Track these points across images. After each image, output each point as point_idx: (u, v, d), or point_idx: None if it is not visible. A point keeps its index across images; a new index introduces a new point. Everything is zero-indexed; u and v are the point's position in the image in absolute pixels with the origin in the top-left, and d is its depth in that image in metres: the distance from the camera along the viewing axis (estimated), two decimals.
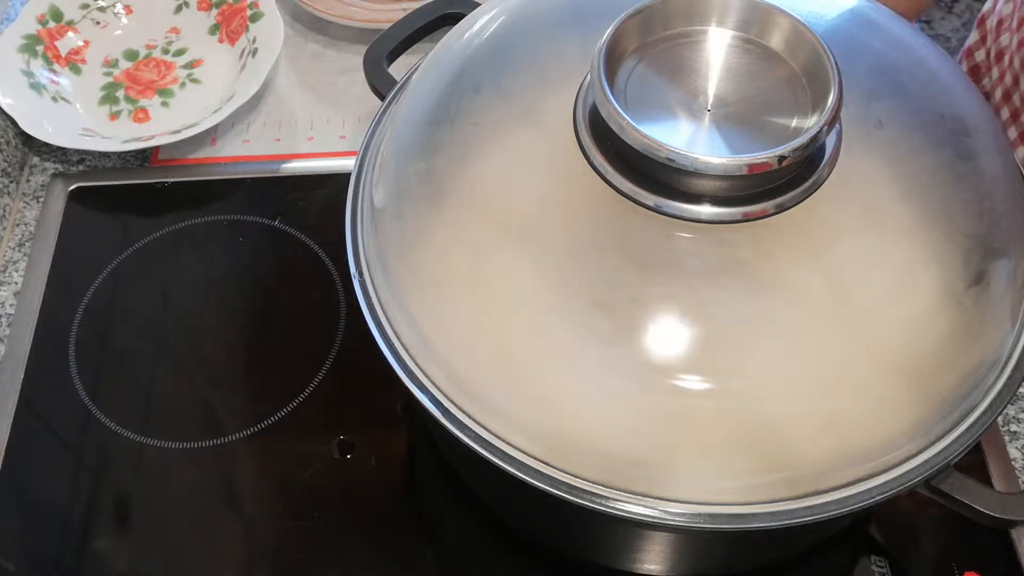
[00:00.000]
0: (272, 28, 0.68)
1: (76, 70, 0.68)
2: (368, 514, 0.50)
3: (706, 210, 0.35)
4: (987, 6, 0.69)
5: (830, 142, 0.36)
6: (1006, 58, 0.63)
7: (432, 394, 0.38)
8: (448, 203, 0.39)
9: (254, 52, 0.67)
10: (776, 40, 0.37)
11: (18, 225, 0.62)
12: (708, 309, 0.35)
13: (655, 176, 0.35)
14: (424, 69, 0.44)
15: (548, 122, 0.38)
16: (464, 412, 0.37)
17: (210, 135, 0.66)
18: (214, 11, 0.71)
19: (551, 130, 0.38)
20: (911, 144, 0.38)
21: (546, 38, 0.41)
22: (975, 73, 0.70)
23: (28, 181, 0.64)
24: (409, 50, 0.55)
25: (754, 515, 0.35)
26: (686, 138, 0.35)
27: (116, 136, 0.64)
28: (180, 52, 0.70)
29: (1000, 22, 0.65)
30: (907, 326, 0.36)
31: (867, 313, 0.35)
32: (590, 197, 0.36)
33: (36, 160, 0.66)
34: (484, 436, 0.37)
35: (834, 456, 0.35)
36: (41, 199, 0.63)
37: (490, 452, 0.36)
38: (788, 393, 0.35)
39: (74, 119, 0.65)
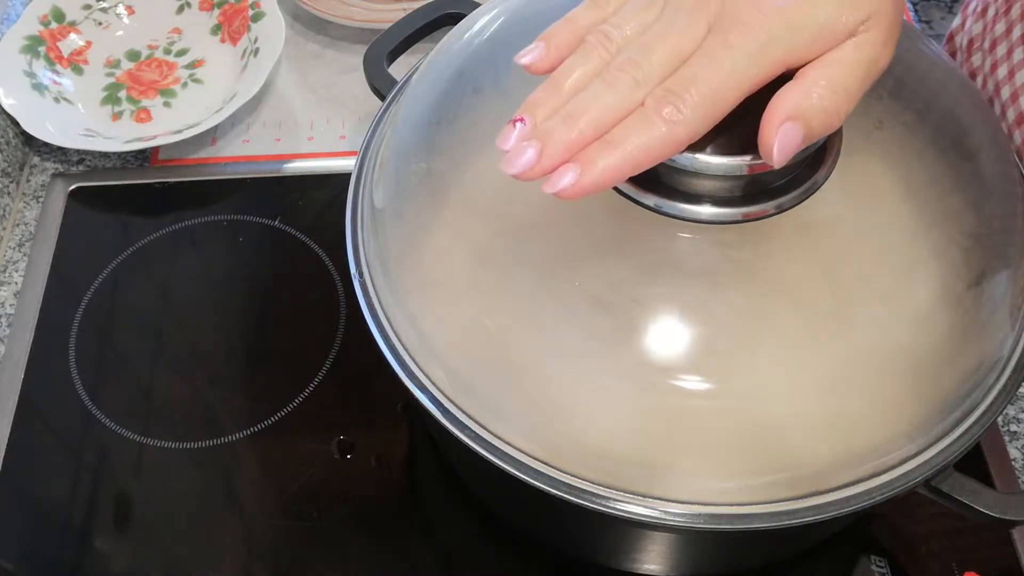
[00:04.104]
0: (273, 28, 0.68)
1: (78, 71, 0.68)
2: (368, 514, 0.50)
3: (706, 210, 0.35)
4: (955, 23, 0.68)
5: (830, 142, 0.36)
6: (978, 79, 0.62)
7: (432, 394, 0.38)
8: (448, 203, 0.39)
9: (255, 52, 0.67)
10: None
11: (18, 225, 0.62)
12: (708, 309, 0.35)
13: (655, 176, 0.35)
14: (424, 69, 0.44)
15: None
16: (464, 412, 0.37)
17: (210, 135, 0.66)
18: (216, 11, 0.71)
19: None
20: (911, 144, 0.38)
21: None
22: None
23: (28, 181, 0.64)
24: (409, 50, 0.55)
25: (754, 515, 0.35)
26: None
27: (118, 136, 0.64)
28: (182, 52, 0.70)
29: (971, 42, 0.64)
30: (907, 326, 0.36)
31: (867, 313, 0.35)
32: (590, 197, 0.36)
33: (36, 160, 0.66)
34: (484, 436, 0.37)
35: (834, 456, 0.35)
36: (41, 199, 0.63)
37: (490, 452, 0.36)
38: (788, 393, 0.35)
39: (76, 119, 0.65)
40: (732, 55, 0.30)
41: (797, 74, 0.31)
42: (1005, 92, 0.59)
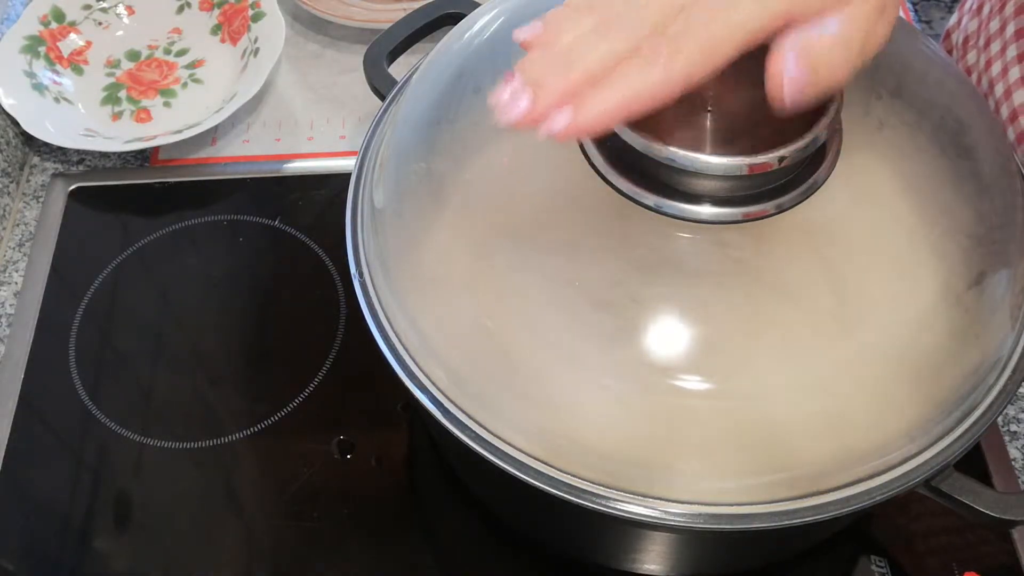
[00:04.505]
0: (273, 28, 0.68)
1: (78, 71, 0.68)
2: (368, 514, 0.50)
3: (706, 210, 0.35)
4: (952, 20, 0.68)
5: (830, 142, 0.36)
6: (973, 77, 0.62)
7: (432, 394, 0.38)
8: (448, 203, 0.39)
9: (255, 52, 0.67)
10: None
11: (18, 225, 0.62)
12: (708, 309, 0.35)
13: (655, 176, 0.35)
14: (424, 69, 0.44)
15: None
16: (464, 412, 0.37)
17: (210, 135, 0.66)
18: (216, 11, 0.71)
19: None
20: (911, 144, 0.38)
21: None
22: None
23: (28, 181, 0.64)
24: (409, 50, 0.55)
25: (754, 515, 0.35)
26: (686, 138, 0.35)
27: (118, 136, 0.64)
28: (182, 52, 0.70)
29: (966, 39, 0.64)
30: (907, 326, 0.36)
31: (867, 313, 0.35)
32: (590, 197, 0.36)
33: (36, 160, 0.66)
34: (484, 436, 0.37)
35: (834, 456, 0.35)
36: (41, 199, 0.63)
37: (490, 452, 0.36)
38: (788, 393, 0.35)
39: (76, 119, 0.65)
40: (732, 1, 0.29)
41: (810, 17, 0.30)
42: (999, 89, 0.59)
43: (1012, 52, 0.58)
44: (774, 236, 0.35)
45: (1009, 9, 0.59)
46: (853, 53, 0.31)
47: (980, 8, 0.63)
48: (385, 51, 0.53)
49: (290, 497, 0.51)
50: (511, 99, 0.30)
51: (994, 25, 0.60)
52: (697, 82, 0.30)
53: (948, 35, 0.68)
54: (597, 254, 0.36)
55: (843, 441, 0.35)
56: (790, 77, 0.30)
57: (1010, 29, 0.58)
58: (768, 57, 0.30)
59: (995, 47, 0.59)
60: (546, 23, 0.32)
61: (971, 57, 0.63)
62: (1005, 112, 0.58)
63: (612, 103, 0.29)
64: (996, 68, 0.59)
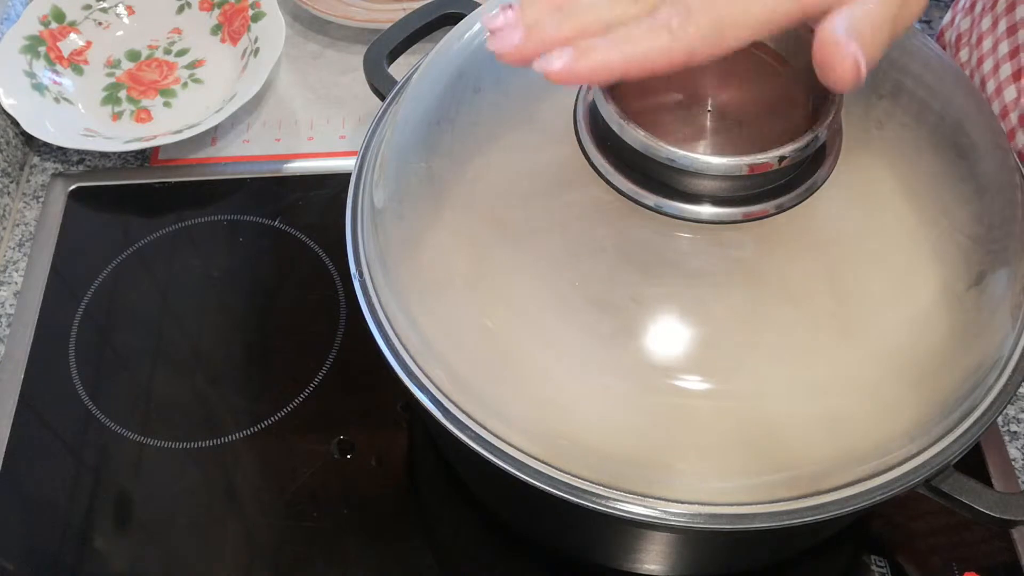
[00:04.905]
0: (274, 28, 0.68)
1: (78, 71, 0.68)
2: (368, 514, 0.50)
3: (706, 210, 0.35)
4: (946, 19, 0.69)
5: (830, 142, 0.36)
6: (965, 73, 0.63)
7: (432, 394, 0.38)
8: (448, 203, 0.39)
9: (256, 52, 0.67)
10: (776, 40, 0.37)
11: (18, 225, 0.62)
12: (708, 309, 0.35)
13: (655, 176, 0.35)
14: (424, 69, 0.44)
15: (548, 122, 0.38)
16: (464, 412, 0.37)
17: (210, 135, 0.66)
18: (216, 11, 0.71)
19: (551, 130, 0.38)
20: (911, 144, 0.38)
21: None
22: None
23: (28, 181, 0.64)
24: (409, 50, 0.55)
25: (754, 515, 0.35)
26: (686, 138, 0.35)
27: (118, 136, 0.64)
28: (182, 52, 0.70)
29: (959, 37, 0.64)
30: (907, 326, 0.36)
31: (867, 313, 0.35)
32: (590, 197, 0.36)
33: (36, 160, 0.66)
34: (484, 436, 0.37)
35: (834, 456, 0.35)
36: (41, 199, 0.63)
37: (490, 452, 0.36)
38: (788, 393, 0.35)
39: (76, 119, 0.65)
40: None
41: (834, 8, 0.30)
42: (990, 86, 0.59)
43: (1004, 49, 0.58)
44: (774, 236, 0.35)
45: (1000, 6, 0.59)
46: (890, 25, 0.30)
47: (972, 6, 0.64)
48: (385, 51, 0.53)
49: (290, 497, 0.51)
50: (503, 30, 0.30)
51: (986, 22, 0.60)
52: (701, 60, 0.30)
53: (942, 33, 0.69)
54: (597, 254, 0.36)
55: (843, 441, 0.35)
56: (853, 54, 0.29)
57: (1002, 26, 0.58)
58: (819, 42, 0.30)
59: (987, 44, 0.60)
60: None
61: (963, 54, 0.63)
62: (996, 108, 0.59)
63: (614, 58, 0.30)
64: (988, 65, 0.59)
